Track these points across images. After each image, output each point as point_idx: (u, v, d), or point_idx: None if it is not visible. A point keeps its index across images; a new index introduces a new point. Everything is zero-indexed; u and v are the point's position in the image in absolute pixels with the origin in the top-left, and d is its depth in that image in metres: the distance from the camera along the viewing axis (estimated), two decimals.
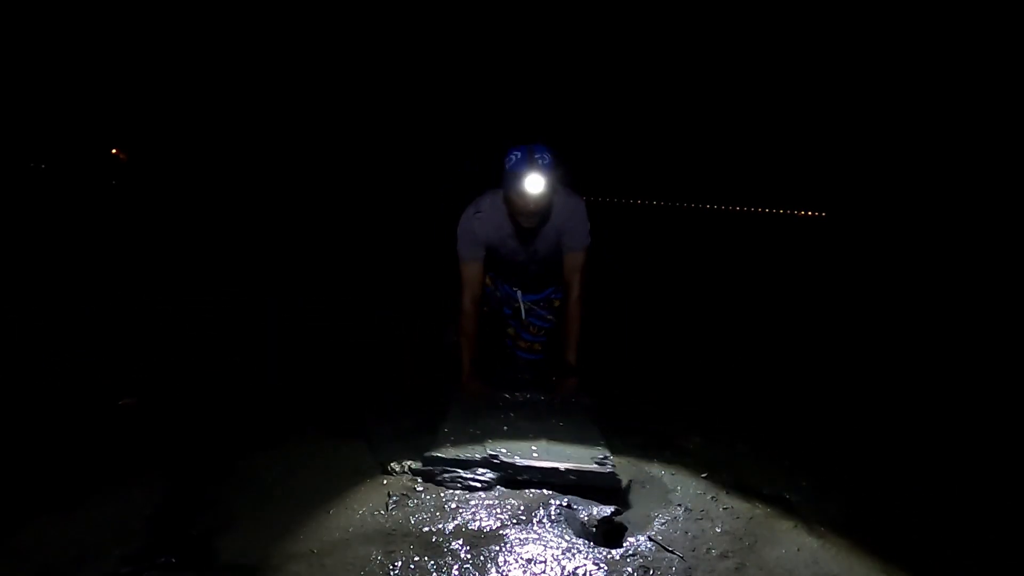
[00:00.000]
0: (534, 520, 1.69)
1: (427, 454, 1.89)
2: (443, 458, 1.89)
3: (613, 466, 1.86)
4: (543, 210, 2.37)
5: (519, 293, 2.78)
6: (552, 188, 2.31)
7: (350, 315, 4.06)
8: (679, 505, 1.83)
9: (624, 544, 1.61)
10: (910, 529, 1.81)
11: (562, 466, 1.85)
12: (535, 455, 1.91)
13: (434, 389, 2.71)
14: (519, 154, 2.31)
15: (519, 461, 1.86)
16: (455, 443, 1.97)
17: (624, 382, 3.04)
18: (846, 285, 7.08)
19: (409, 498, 1.78)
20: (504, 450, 1.91)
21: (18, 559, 1.44)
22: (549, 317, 2.83)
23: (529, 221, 2.39)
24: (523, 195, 2.29)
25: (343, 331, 3.66)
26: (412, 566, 1.48)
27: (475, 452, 1.91)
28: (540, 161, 2.27)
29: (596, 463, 1.86)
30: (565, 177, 2.42)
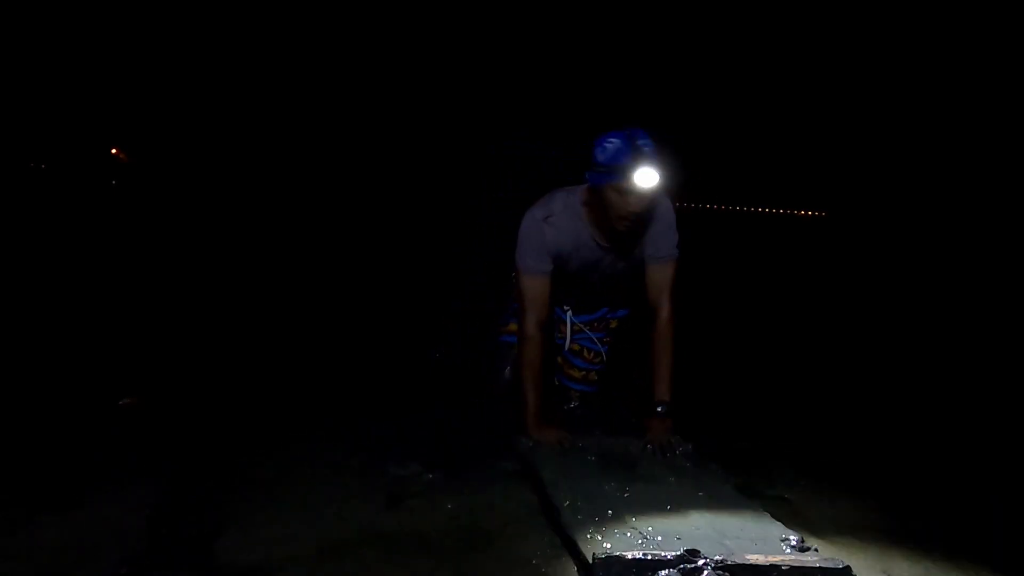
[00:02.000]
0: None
1: (598, 556, 1.41)
2: (624, 559, 1.40)
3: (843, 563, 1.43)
4: (649, 211, 2.02)
5: (569, 314, 2.39)
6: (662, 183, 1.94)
7: (350, 317, 4.06)
8: None
9: None
10: (912, 530, 1.81)
11: (783, 562, 1.41)
12: (715, 541, 1.50)
13: (431, 391, 2.70)
14: (617, 141, 1.91)
15: (729, 559, 1.40)
16: (597, 527, 1.55)
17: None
18: (847, 285, 7.08)
19: (409, 498, 1.78)
20: (678, 537, 1.51)
21: (18, 559, 1.44)
22: (607, 339, 2.45)
23: (630, 225, 2.00)
24: (632, 193, 1.91)
25: (342, 333, 3.66)
26: (411, 566, 1.47)
27: (657, 545, 1.47)
28: (647, 149, 1.89)
29: (796, 549, 1.47)
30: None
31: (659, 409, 2.12)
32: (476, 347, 2.73)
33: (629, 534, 1.53)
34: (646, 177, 1.88)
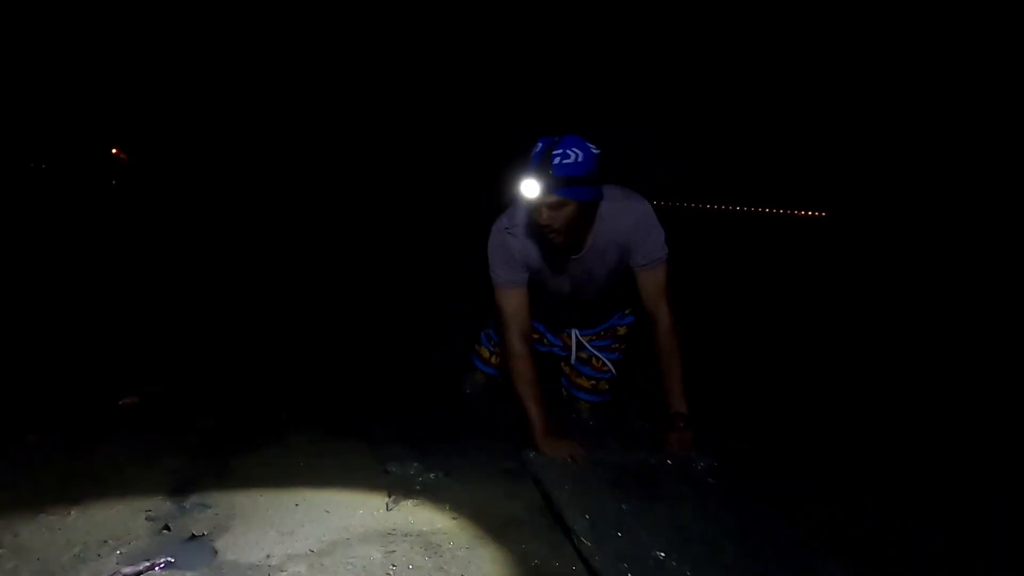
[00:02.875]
0: None
1: None
2: None
3: None
4: (565, 224, 1.85)
5: (575, 332, 2.32)
6: (568, 196, 1.81)
7: (350, 316, 4.06)
8: None
9: None
10: (911, 530, 1.81)
11: None
12: (751, 570, 1.42)
13: (431, 391, 2.70)
14: (539, 146, 1.83)
15: None
16: (620, 554, 1.44)
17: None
18: (846, 285, 7.08)
19: (409, 498, 1.78)
20: (709, 566, 1.41)
21: (18, 559, 1.44)
22: (615, 346, 2.36)
23: (554, 237, 1.88)
24: (529, 205, 1.84)
25: (342, 332, 3.66)
26: (411, 566, 1.48)
27: None
28: (558, 159, 1.76)
29: None
30: (617, 178, 1.96)
31: (679, 422, 2.01)
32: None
33: (654, 563, 1.41)
34: (529, 189, 1.79)
